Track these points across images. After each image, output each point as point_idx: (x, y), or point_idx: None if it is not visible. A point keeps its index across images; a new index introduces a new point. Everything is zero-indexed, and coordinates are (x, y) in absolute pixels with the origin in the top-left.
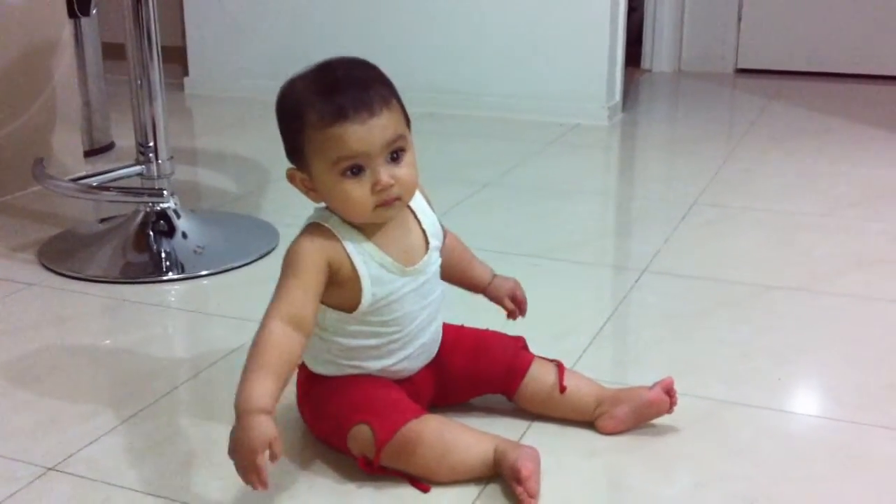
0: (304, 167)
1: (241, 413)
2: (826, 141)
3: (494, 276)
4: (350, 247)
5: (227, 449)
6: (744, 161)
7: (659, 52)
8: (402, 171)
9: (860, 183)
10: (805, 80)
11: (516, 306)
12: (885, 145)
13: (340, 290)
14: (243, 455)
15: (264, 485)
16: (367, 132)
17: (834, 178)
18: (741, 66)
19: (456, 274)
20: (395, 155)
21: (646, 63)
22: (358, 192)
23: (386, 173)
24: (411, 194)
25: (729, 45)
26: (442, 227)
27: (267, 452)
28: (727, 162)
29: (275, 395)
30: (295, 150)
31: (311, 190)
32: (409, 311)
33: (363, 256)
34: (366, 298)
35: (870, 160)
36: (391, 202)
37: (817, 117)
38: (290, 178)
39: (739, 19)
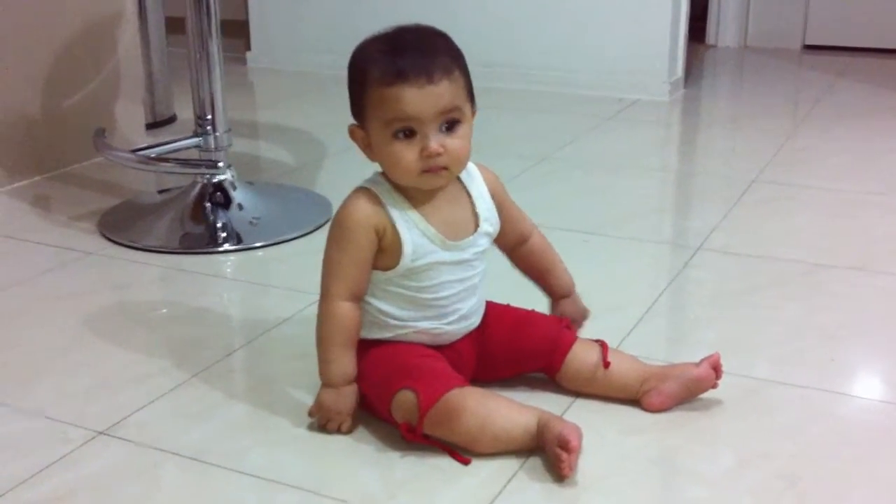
0: (363, 124)
1: (336, 385)
2: (891, 119)
3: (570, 294)
4: (394, 213)
5: (312, 408)
6: (806, 139)
7: (724, 27)
8: (453, 142)
9: None
10: (874, 57)
11: None
12: None
13: (382, 254)
14: (336, 415)
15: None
16: (422, 97)
17: None
18: (809, 42)
19: (534, 273)
20: (449, 125)
21: (710, 38)
22: (406, 154)
23: (436, 141)
24: (460, 166)
25: (797, 20)
26: (526, 223)
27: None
28: (790, 139)
29: (355, 363)
30: (357, 106)
31: (367, 147)
32: (445, 280)
33: (407, 223)
34: (403, 262)
35: None
36: (437, 170)
37: (884, 95)
38: (352, 133)
39: None
